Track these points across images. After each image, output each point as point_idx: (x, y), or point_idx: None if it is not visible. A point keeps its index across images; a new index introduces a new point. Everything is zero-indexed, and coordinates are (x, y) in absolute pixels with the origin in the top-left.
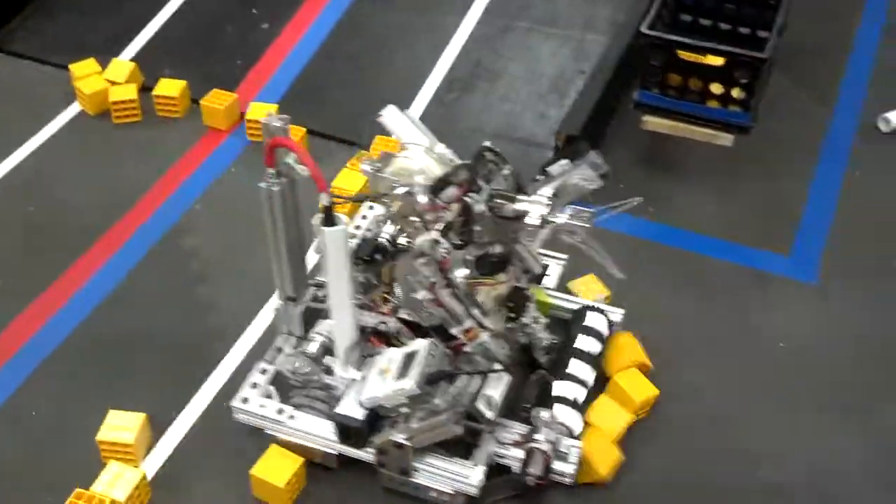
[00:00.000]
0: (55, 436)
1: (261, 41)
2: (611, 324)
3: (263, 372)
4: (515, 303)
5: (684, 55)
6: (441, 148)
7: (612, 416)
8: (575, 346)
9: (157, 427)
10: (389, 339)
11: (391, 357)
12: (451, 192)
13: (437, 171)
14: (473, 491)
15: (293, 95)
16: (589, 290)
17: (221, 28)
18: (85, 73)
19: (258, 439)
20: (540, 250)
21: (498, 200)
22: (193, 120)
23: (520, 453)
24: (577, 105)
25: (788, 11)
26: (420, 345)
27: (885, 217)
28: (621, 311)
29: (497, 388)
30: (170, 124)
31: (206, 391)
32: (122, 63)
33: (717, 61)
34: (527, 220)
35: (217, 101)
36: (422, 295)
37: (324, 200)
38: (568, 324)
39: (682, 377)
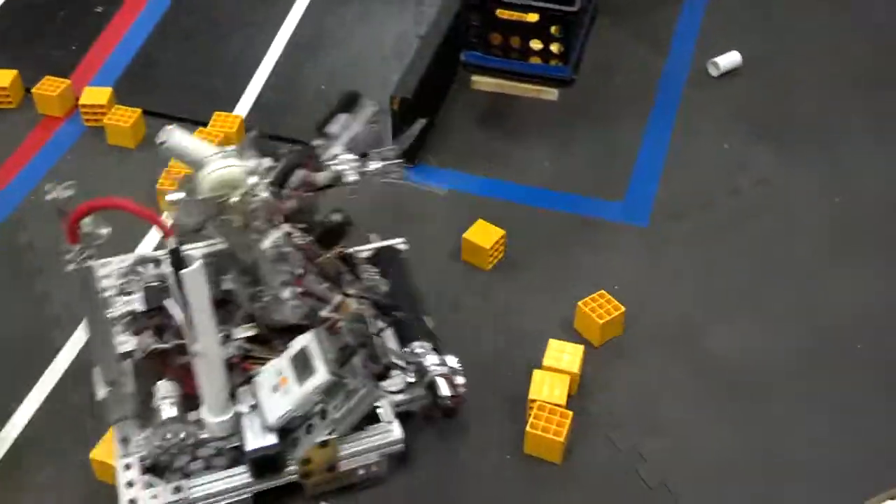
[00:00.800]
0: None
1: (95, 24)
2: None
3: (128, 468)
4: (349, 263)
5: (502, 13)
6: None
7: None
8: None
9: None
10: (257, 359)
11: (278, 368)
12: (300, 175)
13: (266, 164)
14: (401, 446)
15: (129, 77)
16: (486, 234)
17: (54, 13)
18: None
19: (100, 423)
20: None
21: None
22: (28, 109)
23: (420, 391)
24: (410, 69)
25: None
26: (305, 339)
27: (711, 158)
28: (402, 240)
29: (392, 341)
30: (3, 116)
31: (45, 381)
32: None
33: (532, 18)
34: (346, 179)
35: (49, 88)
36: (289, 292)
37: (171, 244)
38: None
39: (517, 323)
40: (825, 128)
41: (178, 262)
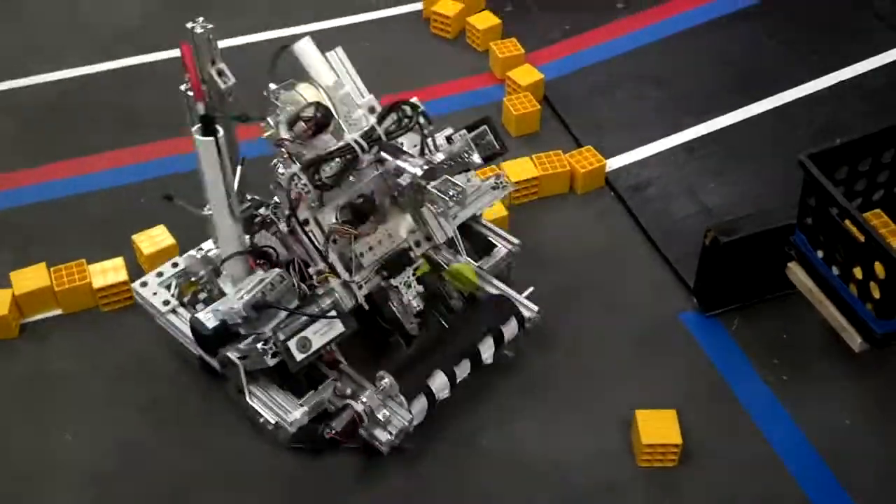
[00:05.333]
0: None
1: None
2: (523, 321)
3: (174, 265)
4: (393, 263)
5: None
6: (352, 90)
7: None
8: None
9: None
10: (275, 264)
11: (251, 278)
12: (300, 126)
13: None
14: (288, 428)
15: None
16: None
17: None
18: None
19: None
20: (498, 231)
21: (383, 153)
22: None
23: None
24: (750, 218)
25: None
26: (270, 274)
27: None
28: (536, 308)
29: (323, 334)
30: None
31: None
32: None
33: (859, 236)
34: (400, 179)
35: None
36: (281, 227)
37: (199, 109)
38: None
39: None
40: None
41: (205, 127)
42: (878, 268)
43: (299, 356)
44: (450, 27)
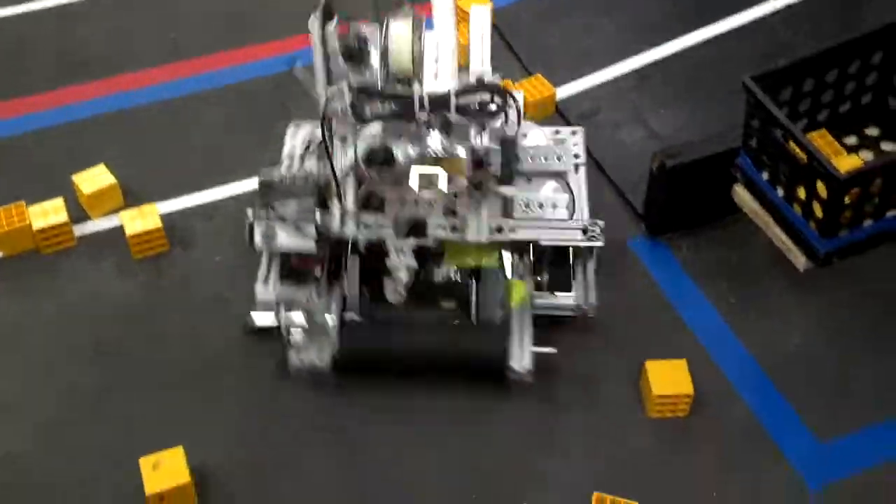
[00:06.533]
0: None
1: None
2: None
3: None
4: (404, 226)
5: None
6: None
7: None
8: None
9: None
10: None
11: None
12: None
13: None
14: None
15: None
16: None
17: None
18: None
19: None
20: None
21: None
22: None
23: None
24: (698, 143)
25: None
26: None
27: None
28: (528, 367)
29: (293, 238)
30: None
31: None
32: None
33: (802, 157)
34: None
35: None
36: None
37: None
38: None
39: None
40: None
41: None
42: (821, 187)
43: (257, 241)
44: None
